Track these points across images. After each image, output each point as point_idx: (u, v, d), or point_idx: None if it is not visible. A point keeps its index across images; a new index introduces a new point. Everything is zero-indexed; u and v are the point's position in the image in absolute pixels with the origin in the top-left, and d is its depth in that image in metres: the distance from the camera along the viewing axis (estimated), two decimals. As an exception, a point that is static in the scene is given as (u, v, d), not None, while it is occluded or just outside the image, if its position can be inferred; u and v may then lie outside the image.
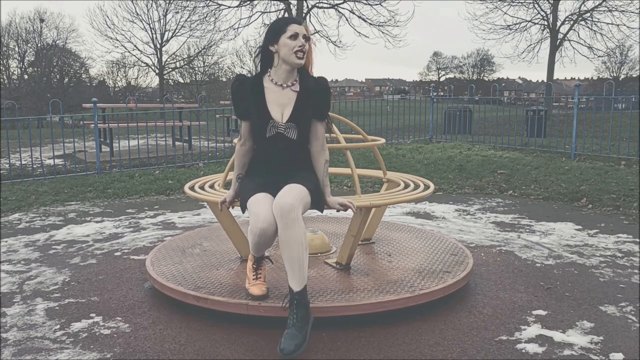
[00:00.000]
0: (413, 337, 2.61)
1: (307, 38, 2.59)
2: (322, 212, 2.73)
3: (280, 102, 2.65)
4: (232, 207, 2.88)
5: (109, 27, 30.22)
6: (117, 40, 30.67)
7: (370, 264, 3.32)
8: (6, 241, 4.39)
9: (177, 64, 33.40)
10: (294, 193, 2.49)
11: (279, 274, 3.11)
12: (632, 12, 22.65)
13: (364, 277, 3.08)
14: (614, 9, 23.08)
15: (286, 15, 20.48)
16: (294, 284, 2.45)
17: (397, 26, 21.08)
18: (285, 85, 2.65)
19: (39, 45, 37.59)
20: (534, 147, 9.78)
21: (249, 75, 2.77)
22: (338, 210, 2.71)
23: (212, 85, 36.03)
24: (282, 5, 20.68)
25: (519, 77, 79.75)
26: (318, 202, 2.67)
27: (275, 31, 2.60)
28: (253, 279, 2.81)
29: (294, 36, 2.56)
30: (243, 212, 2.71)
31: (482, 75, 65.96)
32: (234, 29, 21.44)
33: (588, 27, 24.32)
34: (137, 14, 30.41)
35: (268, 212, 2.48)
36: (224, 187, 3.41)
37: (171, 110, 10.31)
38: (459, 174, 7.30)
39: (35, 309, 2.98)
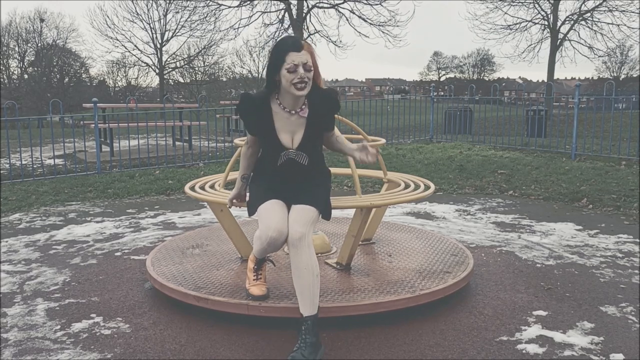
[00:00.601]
0: (413, 337, 2.61)
1: (307, 67, 2.44)
2: (328, 220, 2.72)
3: (289, 129, 2.58)
4: (239, 207, 2.87)
5: (109, 27, 30.23)
6: (117, 40, 30.69)
7: (370, 264, 3.32)
8: (6, 241, 4.39)
9: (177, 63, 33.40)
10: (304, 219, 2.49)
11: (279, 274, 3.11)
12: (633, 12, 22.67)
13: (364, 277, 3.08)
14: (614, 9, 23.10)
15: (286, 15, 20.49)
16: (304, 310, 2.42)
17: (398, 26, 21.06)
18: (294, 112, 2.56)
19: (39, 45, 37.60)
20: (534, 147, 9.78)
21: (254, 92, 2.68)
22: (360, 159, 2.59)
23: (213, 85, 36.00)
24: (282, 5, 20.67)
25: (520, 77, 79.73)
26: (326, 212, 2.67)
27: (275, 61, 2.47)
28: (254, 280, 2.80)
29: (292, 68, 2.43)
30: (250, 215, 2.70)
31: (482, 75, 65.94)
32: (234, 29, 21.45)
33: (588, 27, 24.33)
34: (137, 14, 30.40)
35: (280, 221, 2.48)
36: (225, 187, 3.41)
37: (171, 110, 10.31)
38: (459, 174, 7.30)
39: (35, 309, 2.98)
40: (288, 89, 2.47)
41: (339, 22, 22.36)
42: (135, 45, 31.60)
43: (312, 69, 2.47)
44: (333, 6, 20.90)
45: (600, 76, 51.45)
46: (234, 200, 2.83)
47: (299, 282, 2.44)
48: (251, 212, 2.67)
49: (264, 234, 2.49)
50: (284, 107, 2.55)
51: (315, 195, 2.62)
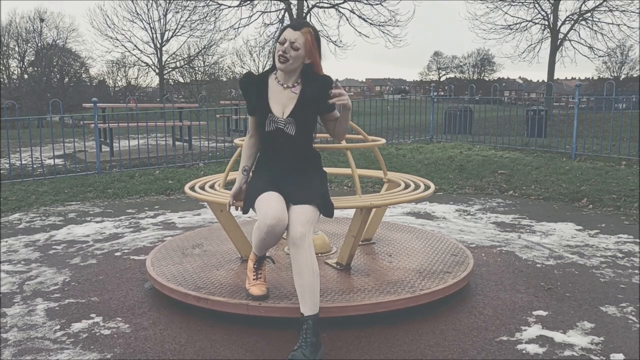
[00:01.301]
0: (413, 337, 2.61)
1: (294, 46, 2.58)
2: (331, 217, 2.72)
3: (281, 102, 2.69)
4: (237, 209, 2.86)
5: (109, 27, 30.19)
6: (117, 39, 30.66)
7: (370, 264, 3.32)
8: (6, 241, 4.39)
9: (177, 63, 33.38)
10: (304, 217, 2.50)
11: (279, 274, 3.11)
12: (633, 12, 22.66)
13: (364, 277, 3.08)
14: (614, 9, 23.09)
15: (286, 15, 20.49)
16: (305, 309, 2.43)
17: (398, 26, 21.03)
18: (286, 85, 2.70)
19: (39, 44, 37.60)
20: (534, 147, 9.77)
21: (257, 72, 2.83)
22: (337, 107, 2.73)
23: (213, 85, 36.00)
24: (282, 5, 20.68)
25: (520, 77, 79.74)
26: (327, 209, 2.67)
27: (277, 37, 2.68)
28: (253, 279, 2.80)
29: (281, 42, 2.61)
30: (245, 212, 2.70)
31: (482, 75, 65.93)
32: (234, 29, 21.45)
33: (588, 27, 24.32)
34: (137, 14, 30.38)
35: (277, 209, 2.48)
36: (225, 187, 3.41)
37: (171, 110, 10.30)
38: (459, 174, 7.30)
39: (35, 309, 2.97)
40: (276, 62, 2.63)
41: (339, 22, 22.37)
42: (135, 45, 31.61)
43: (299, 50, 2.59)
44: (333, 6, 20.90)
45: (601, 76, 51.45)
46: (234, 201, 2.83)
47: (300, 282, 2.44)
48: (248, 208, 2.67)
49: (261, 223, 2.49)
50: (278, 80, 2.71)
51: (312, 192, 2.62)
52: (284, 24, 2.77)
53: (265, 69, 2.93)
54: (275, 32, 20.89)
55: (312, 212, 2.56)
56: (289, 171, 2.69)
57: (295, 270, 2.46)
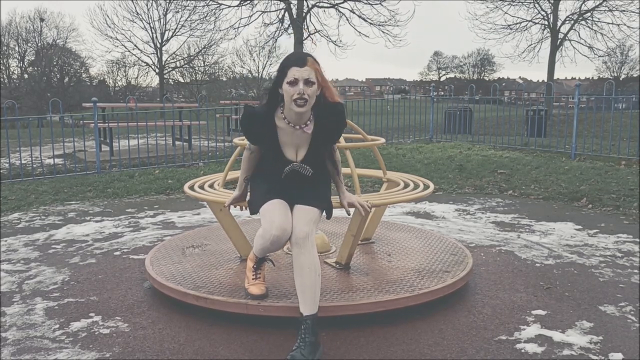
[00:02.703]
0: (412, 336, 2.61)
1: (308, 83, 2.43)
2: (329, 218, 2.75)
3: (294, 143, 2.60)
4: (242, 209, 2.87)
5: (109, 27, 30.19)
6: (117, 39, 30.65)
7: (369, 263, 3.32)
8: (6, 240, 4.39)
9: (177, 63, 33.37)
10: (307, 218, 2.51)
11: (278, 274, 3.11)
12: (633, 12, 22.63)
13: (363, 276, 3.08)
14: (614, 9, 23.05)
15: (286, 15, 20.48)
16: (304, 309, 2.42)
17: (398, 26, 20.97)
18: (298, 126, 2.55)
19: (39, 44, 37.60)
20: (534, 147, 9.77)
21: (257, 106, 2.66)
22: (348, 214, 2.75)
23: (213, 85, 36.00)
24: (282, 5, 20.66)
25: (520, 77, 79.72)
26: (328, 210, 2.70)
27: (279, 75, 2.49)
28: (253, 279, 2.80)
29: (293, 83, 2.42)
30: (252, 214, 2.71)
31: (482, 75, 65.89)
32: (234, 29, 21.40)
33: (588, 26, 24.29)
34: (137, 13, 30.37)
35: (283, 220, 2.49)
36: (224, 186, 3.41)
37: (171, 109, 10.30)
38: (459, 173, 7.30)
39: (34, 309, 2.97)
40: (289, 105, 2.47)
41: (339, 21, 22.30)
42: (135, 45, 31.59)
43: (315, 84, 2.45)
44: (333, 6, 20.87)
45: (601, 76, 51.43)
46: (234, 203, 2.83)
47: (300, 281, 2.44)
48: (253, 210, 2.68)
49: (267, 232, 2.49)
50: (288, 121, 2.54)
51: (317, 195, 2.65)
52: (284, 60, 2.50)
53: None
54: (275, 32, 20.88)
55: (316, 213, 2.58)
56: (300, 186, 2.67)
57: (296, 270, 2.46)
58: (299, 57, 2.47)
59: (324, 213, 2.71)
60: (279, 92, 2.50)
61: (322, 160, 2.73)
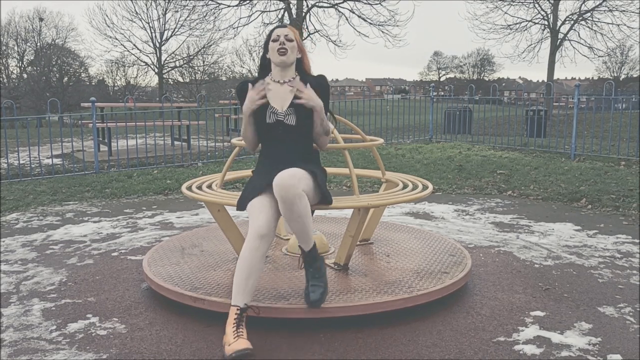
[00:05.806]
0: (411, 337, 2.60)
1: (288, 38, 2.77)
2: (330, 203, 2.79)
3: (280, 96, 2.80)
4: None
5: (108, 26, 30.17)
6: (117, 39, 30.64)
7: (368, 264, 3.31)
8: (3, 241, 4.37)
9: (177, 63, 33.35)
10: (291, 172, 2.54)
11: (276, 274, 3.10)
12: (633, 12, 22.62)
13: (362, 277, 3.07)
14: (614, 9, 23.04)
15: (286, 15, 20.47)
16: (304, 245, 2.67)
17: (397, 26, 20.96)
18: (283, 81, 2.81)
19: (38, 44, 37.56)
20: (533, 147, 9.76)
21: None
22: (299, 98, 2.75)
23: (212, 85, 35.98)
24: (281, 5, 20.65)
25: (519, 77, 79.77)
26: (324, 196, 2.73)
27: (266, 41, 2.84)
28: (234, 338, 2.36)
29: (275, 39, 2.78)
30: (239, 209, 2.69)
31: (482, 75, 65.91)
32: (234, 28, 21.38)
33: (588, 27, 24.28)
34: (137, 13, 30.35)
35: (266, 220, 2.53)
36: (222, 187, 3.40)
37: (170, 109, 10.29)
38: (458, 174, 7.29)
39: (31, 310, 2.96)
40: (274, 59, 2.78)
41: (338, 21, 22.35)
42: (135, 45, 31.63)
43: (294, 42, 2.78)
44: (333, 5, 20.86)
45: (600, 76, 51.44)
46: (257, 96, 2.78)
47: (295, 227, 2.58)
48: (243, 205, 2.68)
49: (251, 232, 2.51)
50: (274, 79, 2.84)
51: (307, 168, 2.68)
52: (270, 31, 2.87)
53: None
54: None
55: (302, 173, 2.59)
56: (289, 163, 2.68)
57: (289, 221, 2.55)
58: (281, 24, 2.91)
59: (324, 198, 2.73)
60: (267, 58, 2.84)
61: (308, 126, 2.77)
